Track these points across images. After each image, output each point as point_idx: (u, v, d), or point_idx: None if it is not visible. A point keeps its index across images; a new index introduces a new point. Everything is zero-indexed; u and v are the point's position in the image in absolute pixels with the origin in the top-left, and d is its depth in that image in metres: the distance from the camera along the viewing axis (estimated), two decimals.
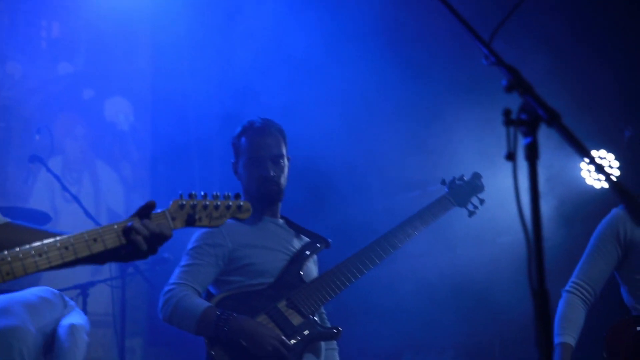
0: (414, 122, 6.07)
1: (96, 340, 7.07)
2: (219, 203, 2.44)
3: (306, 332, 3.46)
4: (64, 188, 5.60)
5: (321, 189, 6.21)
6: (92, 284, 5.61)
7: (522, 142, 1.90)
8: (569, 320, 3.67)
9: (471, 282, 5.81)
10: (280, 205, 3.77)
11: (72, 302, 4.26)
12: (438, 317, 6.06)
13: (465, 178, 4.09)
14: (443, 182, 4.09)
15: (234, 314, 3.31)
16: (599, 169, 1.81)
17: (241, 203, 2.47)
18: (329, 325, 3.69)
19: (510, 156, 1.93)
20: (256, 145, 3.68)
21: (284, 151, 3.73)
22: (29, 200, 6.73)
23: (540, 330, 1.94)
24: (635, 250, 3.74)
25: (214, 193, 2.45)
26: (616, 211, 3.83)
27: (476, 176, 4.10)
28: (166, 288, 3.45)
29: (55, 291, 3.44)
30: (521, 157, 1.87)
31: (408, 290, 6.00)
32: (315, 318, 3.54)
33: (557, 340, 3.59)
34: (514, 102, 1.87)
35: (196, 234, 3.61)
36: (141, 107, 8.19)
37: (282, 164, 3.68)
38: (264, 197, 3.65)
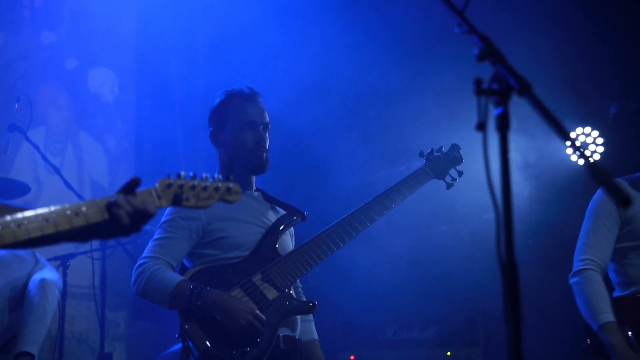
0: (405, 95, 6.01)
1: (80, 313, 7.05)
2: (207, 184, 2.36)
3: (281, 306, 3.41)
4: (44, 159, 5.53)
5: (305, 163, 6.16)
6: (72, 255, 5.55)
7: (493, 112, 1.86)
8: (603, 297, 3.54)
9: (456, 258, 5.79)
10: (255, 177, 3.71)
11: (43, 259, 4.22)
12: (422, 293, 6.05)
13: (443, 150, 4.03)
14: (421, 154, 4.02)
15: (208, 288, 3.26)
16: (572, 143, 1.76)
17: (230, 185, 2.39)
18: (304, 299, 3.64)
19: (481, 126, 1.89)
20: (249, 110, 3.61)
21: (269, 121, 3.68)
22: (10, 171, 6.66)
23: (508, 303, 1.90)
24: (634, 221, 3.67)
25: (204, 174, 2.38)
26: None
27: (454, 148, 4.04)
28: (139, 262, 3.40)
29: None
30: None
31: (391, 266, 5.98)
32: (291, 292, 3.49)
33: (603, 319, 3.46)
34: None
35: (170, 207, 3.55)
36: (126, 78, 8.10)
37: (268, 135, 3.65)
38: (253, 166, 3.60)
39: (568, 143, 1.79)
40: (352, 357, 6.02)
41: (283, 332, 3.43)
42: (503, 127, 1.85)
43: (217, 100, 3.67)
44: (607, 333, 3.46)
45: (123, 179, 8.09)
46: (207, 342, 3.25)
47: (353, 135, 6.31)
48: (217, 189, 2.38)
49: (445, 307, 5.79)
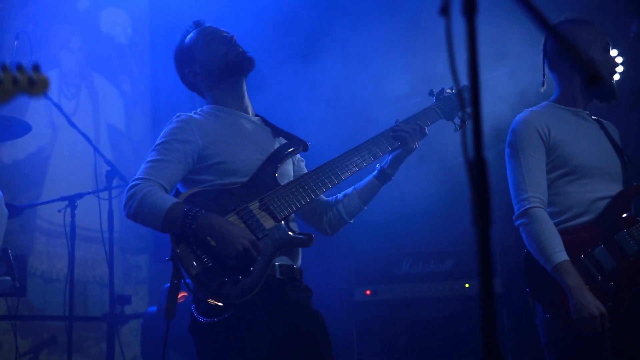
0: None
1: (101, 257, 7.04)
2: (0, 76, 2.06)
3: (277, 237, 3.28)
4: (54, 104, 5.46)
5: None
6: (80, 195, 5.51)
7: None
8: (554, 235, 3.38)
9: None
10: (249, 100, 3.58)
11: None
12: (438, 225, 5.93)
13: (453, 90, 3.84)
14: (431, 93, 3.83)
15: (203, 211, 3.14)
16: (541, 20, 1.60)
17: (34, 77, 2.13)
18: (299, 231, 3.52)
19: (444, 10, 1.73)
20: (209, 28, 3.53)
21: None
22: (25, 114, 6.61)
23: (477, 205, 1.78)
24: (559, 146, 3.52)
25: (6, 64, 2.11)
26: (528, 114, 3.59)
27: (465, 89, 3.86)
28: (131, 183, 3.27)
29: None
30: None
31: (404, 201, 5.85)
32: (288, 223, 3.37)
33: (559, 258, 3.31)
34: None
35: (165, 129, 3.43)
36: (138, 19, 7.99)
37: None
38: (235, 63, 3.45)
39: (538, 21, 1.63)
40: (368, 292, 5.94)
41: (279, 261, 3.31)
42: (470, 9, 1.69)
43: (176, 45, 3.56)
44: (563, 273, 3.28)
45: (141, 122, 8.06)
46: (198, 268, 3.12)
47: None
48: (15, 81, 2.07)
49: (462, 238, 5.65)
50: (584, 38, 3.61)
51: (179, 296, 3.30)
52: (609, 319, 3.30)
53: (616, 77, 5.34)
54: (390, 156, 3.62)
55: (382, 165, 3.63)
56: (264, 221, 3.27)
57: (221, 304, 3.14)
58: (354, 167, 3.50)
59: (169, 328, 3.20)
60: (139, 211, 3.18)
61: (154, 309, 6.03)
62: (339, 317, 5.75)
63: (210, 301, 3.14)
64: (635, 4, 5.46)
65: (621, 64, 5.55)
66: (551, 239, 3.36)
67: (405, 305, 5.88)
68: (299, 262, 3.43)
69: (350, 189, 3.68)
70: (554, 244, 3.35)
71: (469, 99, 1.67)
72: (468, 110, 3.72)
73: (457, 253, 5.81)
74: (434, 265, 5.87)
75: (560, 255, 3.33)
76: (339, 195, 3.68)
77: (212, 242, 3.10)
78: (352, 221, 3.68)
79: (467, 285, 5.64)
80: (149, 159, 3.35)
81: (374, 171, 3.65)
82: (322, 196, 3.58)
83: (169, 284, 3.13)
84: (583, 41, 3.59)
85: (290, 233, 3.33)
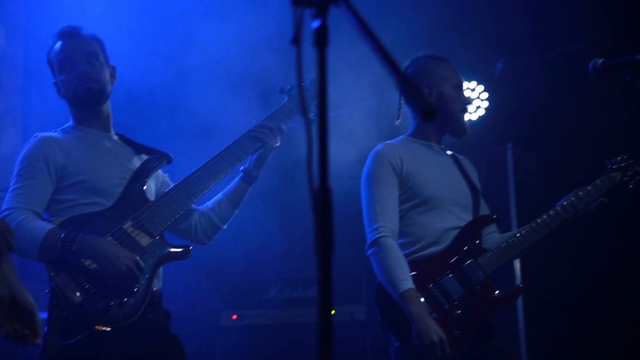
0: None
1: None
2: None
3: (156, 253, 3.27)
4: None
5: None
6: None
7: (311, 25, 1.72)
8: (401, 264, 3.44)
9: (339, 214, 5.68)
10: (111, 119, 3.54)
11: None
12: (305, 251, 5.94)
13: (304, 84, 3.90)
14: (282, 91, 3.92)
15: (81, 234, 3.08)
16: (388, 58, 1.63)
17: None
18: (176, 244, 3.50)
19: (295, 40, 1.76)
20: (68, 46, 3.44)
21: (100, 50, 3.50)
22: None
23: (320, 233, 1.80)
24: (412, 177, 3.63)
25: None
26: (383, 146, 3.70)
27: (313, 83, 3.94)
28: (1, 215, 3.17)
29: None
30: None
31: (274, 224, 5.87)
32: (164, 238, 3.35)
33: (404, 287, 3.37)
34: None
35: (22, 152, 3.35)
36: (12, 30, 7.75)
37: (100, 62, 3.46)
38: (83, 98, 3.42)
39: (383, 58, 1.66)
40: (234, 317, 5.92)
41: (158, 277, 3.33)
42: (321, 42, 1.71)
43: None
44: (407, 301, 3.36)
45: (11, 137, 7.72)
46: (82, 295, 3.05)
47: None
48: None
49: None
50: (437, 74, 3.74)
51: None
52: (456, 346, 3.40)
53: (469, 115, 5.57)
54: (254, 157, 3.67)
55: (246, 167, 3.68)
56: (140, 239, 3.25)
57: (109, 329, 3.08)
58: (221, 173, 3.54)
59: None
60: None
61: None
62: (204, 342, 5.70)
63: (97, 327, 3.07)
64: (502, 44, 5.68)
65: (486, 99, 5.78)
66: (398, 268, 3.43)
67: (271, 330, 5.89)
68: (160, 284, 3.41)
69: (219, 195, 3.71)
70: (400, 273, 3.42)
71: (317, 100, 1.71)
72: (314, 104, 3.81)
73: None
74: (302, 291, 5.90)
75: (406, 283, 3.39)
76: (209, 204, 3.71)
77: (94, 265, 3.06)
78: (225, 226, 3.71)
79: (332, 311, 5.67)
80: (13, 187, 3.27)
81: (239, 174, 3.68)
82: (193, 206, 3.58)
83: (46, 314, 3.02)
84: (436, 77, 3.73)
85: (167, 247, 3.32)
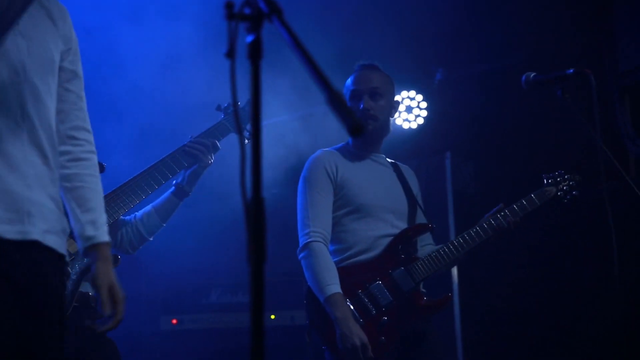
0: None
1: None
2: None
3: (85, 261, 3.24)
4: None
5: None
6: None
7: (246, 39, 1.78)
8: (329, 269, 3.51)
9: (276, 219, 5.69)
10: None
11: None
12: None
13: (240, 104, 3.96)
14: (218, 108, 3.95)
15: None
16: (318, 74, 1.68)
17: None
18: None
19: (230, 54, 1.80)
20: None
21: None
22: None
23: (252, 240, 1.84)
24: (346, 185, 3.71)
25: None
26: (321, 153, 3.78)
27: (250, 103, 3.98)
28: None
29: None
30: None
31: (215, 229, 5.87)
32: None
33: (330, 291, 3.44)
34: None
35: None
36: None
37: None
38: None
39: (314, 73, 1.71)
40: (174, 321, 5.90)
41: (84, 287, 3.30)
42: (255, 55, 1.76)
43: None
44: (332, 306, 3.43)
45: None
46: None
47: None
48: None
49: (269, 270, 5.69)
50: (345, 86, 3.83)
51: None
52: (380, 352, 3.47)
53: (409, 124, 5.60)
54: (187, 172, 3.71)
55: (178, 181, 3.71)
56: (68, 245, 3.23)
57: None
58: (154, 184, 3.56)
59: None
60: None
61: None
62: (144, 347, 5.67)
63: None
64: (441, 55, 5.77)
65: (425, 108, 5.87)
66: (325, 272, 3.50)
67: (212, 335, 5.88)
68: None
69: (148, 207, 3.72)
70: (328, 277, 3.48)
71: (251, 114, 1.75)
72: (248, 127, 3.86)
73: (265, 284, 5.86)
74: (242, 296, 5.91)
75: (332, 287, 3.46)
76: (138, 214, 3.72)
77: None
78: (151, 239, 3.74)
79: (272, 316, 5.70)
80: None
81: (171, 187, 3.71)
82: (121, 216, 3.59)
83: None
84: (344, 88, 3.80)
85: None
